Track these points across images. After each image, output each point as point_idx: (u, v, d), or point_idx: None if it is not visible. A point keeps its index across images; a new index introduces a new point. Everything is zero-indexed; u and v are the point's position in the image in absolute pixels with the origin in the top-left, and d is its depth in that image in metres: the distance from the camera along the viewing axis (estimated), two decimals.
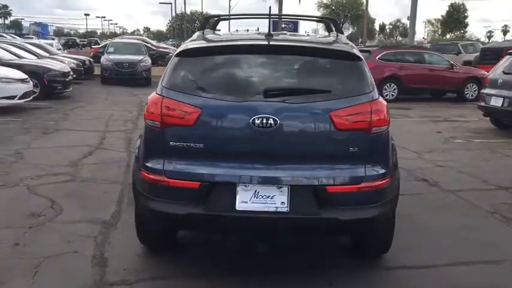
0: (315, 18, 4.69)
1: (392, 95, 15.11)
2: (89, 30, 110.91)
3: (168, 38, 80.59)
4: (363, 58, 3.45)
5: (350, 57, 3.42)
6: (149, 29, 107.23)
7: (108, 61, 18.00)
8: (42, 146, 7.90)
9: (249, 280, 3.52)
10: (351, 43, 3.79)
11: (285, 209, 3.11)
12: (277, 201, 3.12)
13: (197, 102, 3.15)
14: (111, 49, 19.65)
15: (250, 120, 3.06)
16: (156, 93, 3.29)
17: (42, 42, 23.60)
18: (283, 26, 36.94)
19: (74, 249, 3.91)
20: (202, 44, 3.57)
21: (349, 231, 3.49)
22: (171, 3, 51.31)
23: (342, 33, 4.03)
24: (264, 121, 3.06)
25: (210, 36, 3.75)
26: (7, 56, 13.57)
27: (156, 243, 3.82)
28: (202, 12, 64.27)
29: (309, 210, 3.13)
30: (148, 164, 3.27)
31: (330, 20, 4.04)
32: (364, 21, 42.99)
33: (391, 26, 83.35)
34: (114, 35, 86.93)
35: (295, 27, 39.03)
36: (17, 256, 3.79)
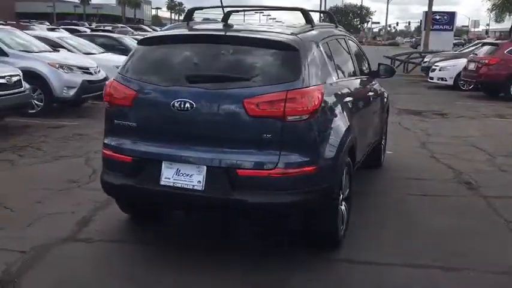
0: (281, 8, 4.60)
1: None
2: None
3: None
4: (298, 48, 3.49)
5: (283, 47, 3.50)
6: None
7: None
8: None
9: (198, 256, 3.78)
10: (304, 34, 3.79)
11: (201, 188, 3.36)
12: (194, 179, 3.38)
13: (134, 86, 3.56)
14: None
15: (171, 104, 3.37)
16: (112, 79, 3.77)
17: None
18: (437, 17, 35.10)
19: (73, 210, 4.58)
20: (156, 34, 3.94)
21: (265, 214, 3.56)
22: None
23: (311, 22, 4.06)
24: (182, 104, 3.34)
25: (175, 27, 4.10)
26: None
27: (128, 211, 4.31)
28: (361, 4, 63.42)
29: (221, 191, 3.34)
30: (104, 141, 3.77)
31: (298, 10, 4.08)
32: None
33: None
34: None
35: (450, 19, 36.52)
36: (30, 210, 4.57)
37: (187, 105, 3.33)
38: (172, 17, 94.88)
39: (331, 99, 3.71)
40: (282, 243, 4.03)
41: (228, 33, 3.74)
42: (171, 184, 3.42)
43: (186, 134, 3.43)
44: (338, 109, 3.81)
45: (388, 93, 6.48)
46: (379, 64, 5.73)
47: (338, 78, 4.10)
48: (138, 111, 3.54)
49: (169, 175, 3.44)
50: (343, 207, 4.00)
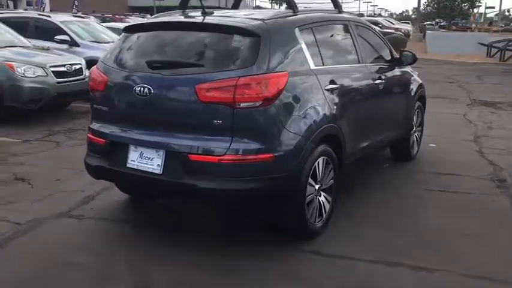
0: None
1: None
2: (356, 13, 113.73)
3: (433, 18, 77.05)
4: (260, 34, 3.44)
5: (244, 33, 3.47)
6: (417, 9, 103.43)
7: None
8: None
9: (164, 238, 3.89)
10: (275, 20, 3.70)
11: (159, 171, 3.47)
12: (154, 163, 3.49)
13: (107, 72, 3.74)
14: None
15: (133, 89, 3.50)
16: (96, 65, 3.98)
17: None
18: None
19: (84, 189, 4.90)
20: (136, 22, 4.07)
21: (217, 200, 3.55)
22: None
23: (292, 7, 3.94)
24: (142, 90, 3.46)
25: (161, 15, 4.20)
26: None
27: (123, 191, 4.53)
28: None
29: (175, 175, 3.41)
30: (89, 124, 4.00)
31: None
32: None
33: None
34: (378, 15, 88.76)
35: None
36: (47, 187, 4.97)
37: (146, 90, 3.44)
38: (274, 7, 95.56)
39: (301, 86, 3.61)
40: (253, 231, 4.02)
41: (193, 20, 3.79)
42: (135, 167, 3.57)
43: (148, 119, 3.55)
44: (311, 96, 3.69)
45: (421, 82, 6.07)
46: (401, 51, 5.42)
47: (323, 65, 3.97)
48: (109, 96, 3.73)
49: (134, 158, 3.58)
50: (322, 198, 3.90)
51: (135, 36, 3.88)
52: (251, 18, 3.68)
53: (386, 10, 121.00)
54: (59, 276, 3.34)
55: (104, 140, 3.74)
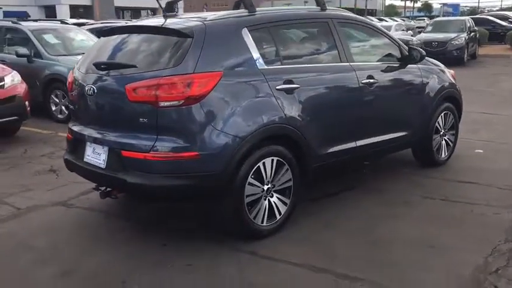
0: None
1: None
2: (504, 7, 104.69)
3: None
4: (193, 35, 3.52)
5: (178, 34, 3.59)
6: None
7: (419, 40, 17.92)
8: None
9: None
10: (217, 21, 3.76)
11: (103, 165, 3.73)
12: (101, 158, 3.77)
13: (75, 74, 4.10)
14: (429, 28, 19.47)
15: (85, 89, 3.82)
16: None
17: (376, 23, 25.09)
18: None
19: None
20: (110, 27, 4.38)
21: (145, 195, 3.68)
22: None
23: (247, 7, 3.93)
24: (89, 90, 3.77)
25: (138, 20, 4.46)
26: None
27: None
28: None
29: (113, 170, 3.65)
30: None
31: None
32: None
33: None
34: None
35: None
36: (67, 178, 5.41)
37: (92, 90, 3.74)
38: (407, 5, 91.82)
39: (239, 86, 3.61)
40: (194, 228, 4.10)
41: (141, 24, 3.99)
42: (89, 161, 3.88)
43: (97, 117, 3.86)
44: (254, 96, 3.67)
45: (450, 82, 5.55)
46: (410, 48, 5.04)
47: (281, 64, 3.92)
48: (73, 96, 4.10)
49: (89, 153, 3.90)
50: (274, 200, 3.86)
51: (102, 40, 4.20)
52: (195, 20, 3.78)
53: None
54: (6, 256, 3.70)
55: (71, 136, 4.13)
